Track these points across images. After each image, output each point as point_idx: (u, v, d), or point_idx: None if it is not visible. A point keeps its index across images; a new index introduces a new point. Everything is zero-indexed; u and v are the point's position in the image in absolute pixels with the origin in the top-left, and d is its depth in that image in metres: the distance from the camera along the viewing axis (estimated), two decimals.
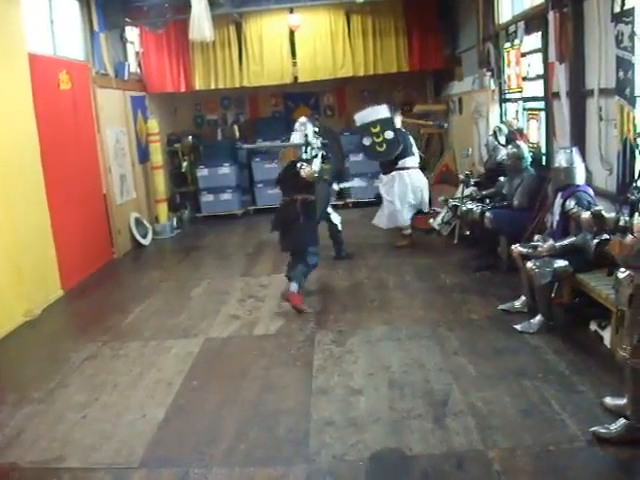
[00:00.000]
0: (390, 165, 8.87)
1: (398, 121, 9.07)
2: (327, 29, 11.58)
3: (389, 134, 8.72)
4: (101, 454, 4.05)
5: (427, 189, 9.11)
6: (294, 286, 6.60)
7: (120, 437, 4.24)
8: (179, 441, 4.16)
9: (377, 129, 8.76)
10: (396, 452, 3.82)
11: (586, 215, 4.77)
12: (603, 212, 4.56)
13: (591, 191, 5.55)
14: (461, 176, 8.70)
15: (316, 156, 7.03)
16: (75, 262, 8.05)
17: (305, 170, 6.65)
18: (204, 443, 4.09)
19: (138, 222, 10.49)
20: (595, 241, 5.12)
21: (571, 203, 5.39)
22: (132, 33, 11.19)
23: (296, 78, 11.89)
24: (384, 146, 8.76)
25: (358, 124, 9.12)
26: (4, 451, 4.16)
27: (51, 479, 3.80)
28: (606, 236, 4.46)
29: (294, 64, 11.78)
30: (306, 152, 7.01)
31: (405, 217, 8.88)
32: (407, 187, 8.76)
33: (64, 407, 4.74)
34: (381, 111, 8.97)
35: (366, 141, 8.91)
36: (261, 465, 3.81)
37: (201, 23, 9.73)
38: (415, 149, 9.10)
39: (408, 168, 8.85)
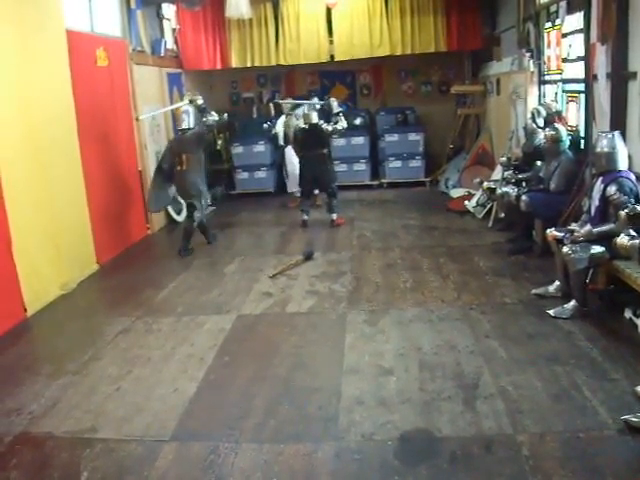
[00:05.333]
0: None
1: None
2: (364, 7, 11.45)
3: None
4: (133, 426, 4.12)
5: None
6: (335, 215, 9.43)
7: (152, 410, 4.30)
8: (210, 416, 4.21)
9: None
10: (425, 433, 3.83)
11: (622, 214, 4.69)
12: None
13: (633, 177, 5.43)
14: (502, 159, 8.62)
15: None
16: (110, 237, 8.16)
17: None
18: (234, 418, 4.14)
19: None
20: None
21: (612, 189, 5.26)
22: (169, 10, 11.18)
23: (332, 57, 11.81)
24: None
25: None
26: (40, 420, 4.26)
27: (84, 449, 3.87)
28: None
29: (331, 42, 11.70)
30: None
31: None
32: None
33: (98, 379, 4.82)
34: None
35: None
36: (290, 441, 3.85)
37: (238, 0, 9.73)
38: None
39: None
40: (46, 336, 5.98)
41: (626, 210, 4.63)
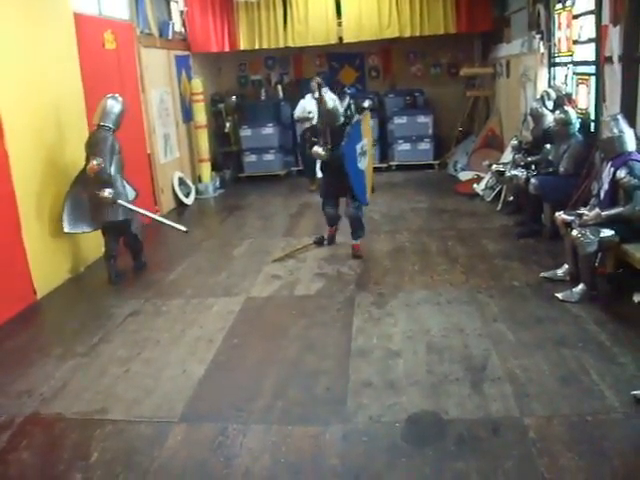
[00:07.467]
0: None
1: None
2: None
3: None
4: (143, 407, 4.16)
5: None
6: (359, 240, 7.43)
7: (161, 392, 4.34)
8: (218, 397, 4.24)
9: None
10: (432, 415, 3.85)
11: None
12: None
13: None
14: (514, 141, 8.57)
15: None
16: None
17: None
18: (243, 400, 4.16)
19: (181, 181, 10.59)
20: None
21: (622, 172, 5.22)
22: None
23: (341, 39, 11.74)
24: None
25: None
26: (50, 402, 4.30)
27: (95, 429, 3.91)
28: None
29: (339, 24, 11.64)
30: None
31: None
32: None
33: (107, 361, 4.86)
34: None
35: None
36: (298, 423, 3.87)
37: None
38: None
39: None
40: (56, 319, 6.02)
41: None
